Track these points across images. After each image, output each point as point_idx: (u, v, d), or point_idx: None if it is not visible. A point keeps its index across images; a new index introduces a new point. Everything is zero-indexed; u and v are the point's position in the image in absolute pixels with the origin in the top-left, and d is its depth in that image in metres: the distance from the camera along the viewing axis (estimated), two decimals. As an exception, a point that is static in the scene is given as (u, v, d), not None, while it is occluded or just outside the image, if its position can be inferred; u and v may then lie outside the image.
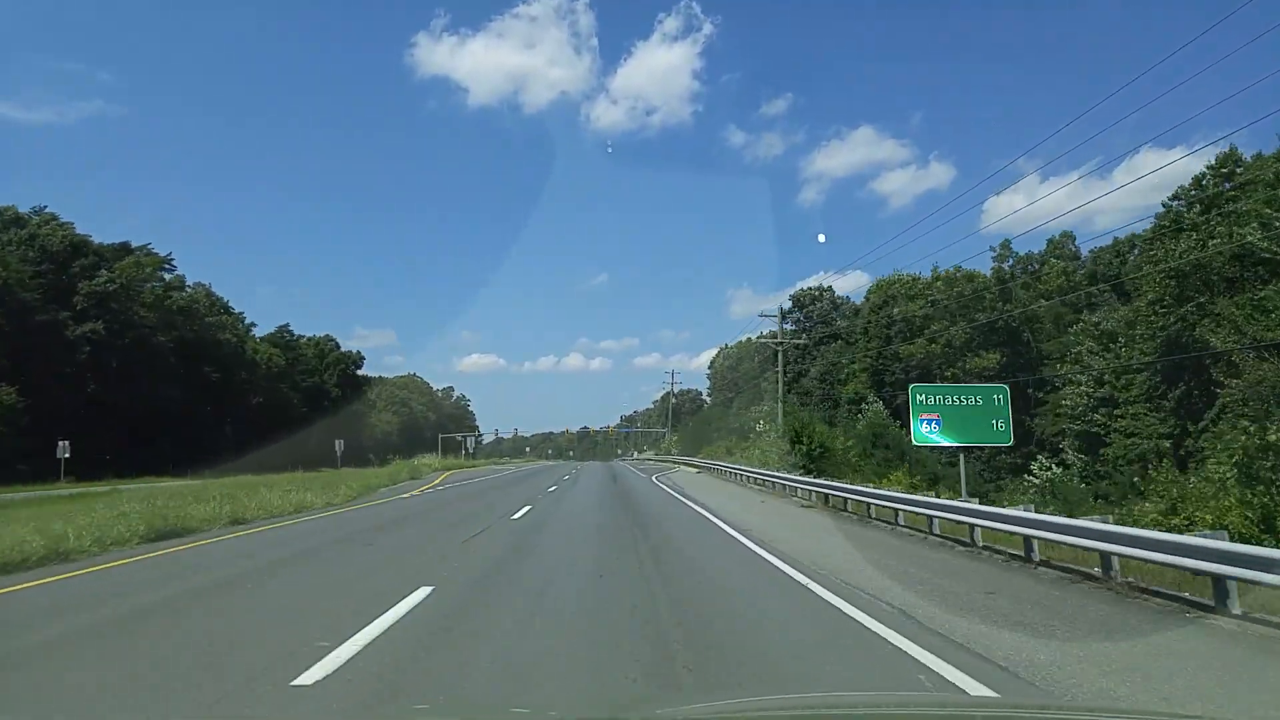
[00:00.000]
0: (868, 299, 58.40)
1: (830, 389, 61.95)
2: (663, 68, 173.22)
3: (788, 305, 72.65)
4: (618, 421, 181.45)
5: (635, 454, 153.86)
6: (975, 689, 4.83)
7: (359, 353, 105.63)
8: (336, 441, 69.53)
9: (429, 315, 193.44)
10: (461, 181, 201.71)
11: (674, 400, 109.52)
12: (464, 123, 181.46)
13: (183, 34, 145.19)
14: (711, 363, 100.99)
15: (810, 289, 70.67)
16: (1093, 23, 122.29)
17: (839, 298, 71.01)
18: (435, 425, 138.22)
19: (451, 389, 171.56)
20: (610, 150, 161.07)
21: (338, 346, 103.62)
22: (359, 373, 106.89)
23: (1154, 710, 4.50)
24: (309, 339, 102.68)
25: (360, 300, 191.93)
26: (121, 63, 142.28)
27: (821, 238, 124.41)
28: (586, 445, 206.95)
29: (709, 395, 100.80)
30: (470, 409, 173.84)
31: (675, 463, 54.25)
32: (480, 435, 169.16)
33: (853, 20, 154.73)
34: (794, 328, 72.95)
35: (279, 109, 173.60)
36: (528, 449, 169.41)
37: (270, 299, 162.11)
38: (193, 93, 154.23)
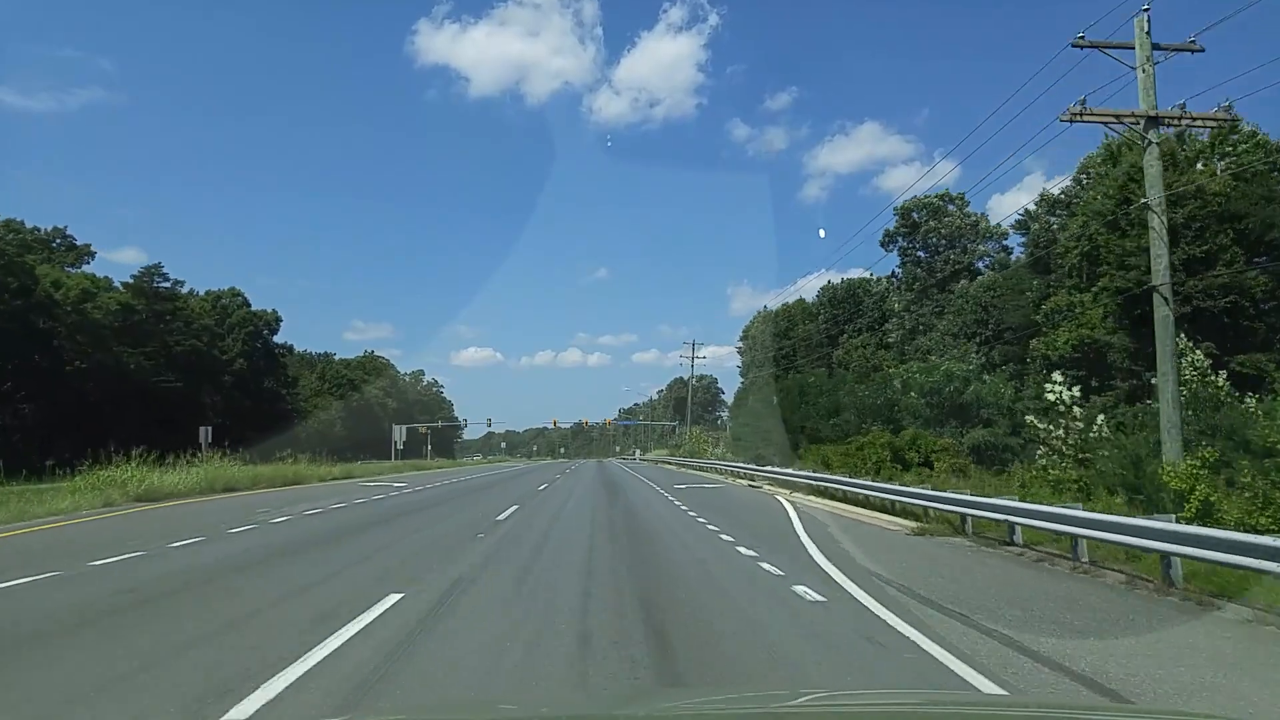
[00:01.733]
0: (1089, 178, 32.49)
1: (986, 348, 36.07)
2: (667, 59, 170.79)
3: (891, 223, 46.92)
4: (616, 415, 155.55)
5: (639, 452, 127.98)
6: None
7: (275, 312, 79.46)
8: (201, 429, 45.68)
9: (427, 309, 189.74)
10: (461, 174, 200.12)
11: (693, 382, 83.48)
12: (465, 113, 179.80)
13: (180, 22, 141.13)
14: (745, 331, 75.22)
15: (930, 199, 44.74)
16: (1098, 17, 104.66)
17: (969, 212, 44.93)
18: (397, 414, 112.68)
19: (421, 372, 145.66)
20: (609, 145, 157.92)
21: (246, 303, 77.63)
22: (277, 340, 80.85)
23: (1158, 708, 4.34)
24: (206, 294, 76.79)
25: (358, 294, 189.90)
26: (120, 51, 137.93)
27: (822, 232, 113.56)
28: (581, 441, 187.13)
29: (740, 370, 75.15)
30: (445, 396, 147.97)
31: (765, 477, 27.28)
32: (462, 428, 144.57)
33: (859, 14, 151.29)
34: (900, 260, 47.27)
35: (276, 98, 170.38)
36: (503, 445, 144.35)
37: (269, 292, 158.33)
38: (189, 82, 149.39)
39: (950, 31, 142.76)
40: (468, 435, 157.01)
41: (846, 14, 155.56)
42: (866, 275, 57.53)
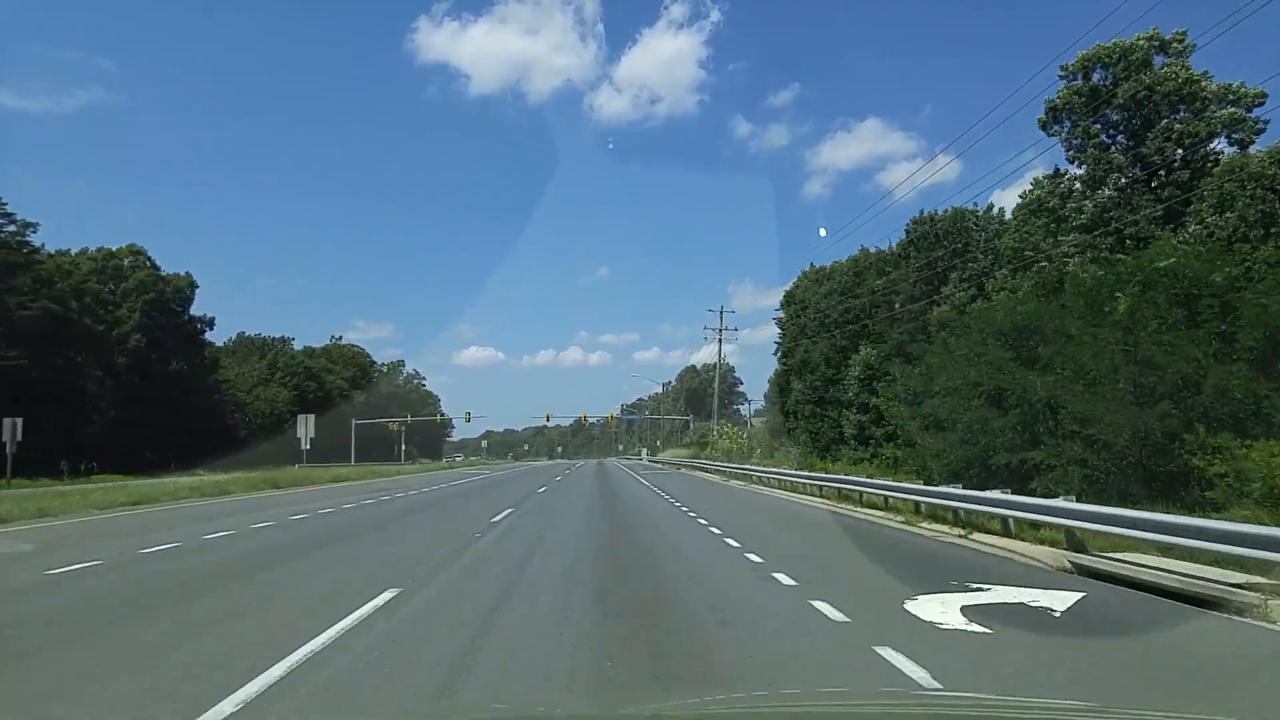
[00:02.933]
0: None
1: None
2: (668, 56, 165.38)
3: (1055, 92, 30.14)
4: (619, 410, 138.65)
5: (645, 452, 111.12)
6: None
7: (189, 276, 62.42)
8: (6, 421, 32.83)
9: (428, 309, 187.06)
10: (461, 173, 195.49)
11: (721, 366, 66.28)
12: (465, 112, 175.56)
13: (180, 22, 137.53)
14: (788, 296, 58.35)
15: (1128, 42, 27.66)
16: (1102, 15, 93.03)
17: (1181, 74, 27.58)
18: (368, 408, 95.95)
19: (401, 363, 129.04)
20: (610, 145, 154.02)
21: (151, 264, 60.67)
22: (194, 312, 63.74)
23: (1154, 709, 3.98)
24: (98, 250, 59.87)
25: (359, 294, 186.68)
26: (120, 51, 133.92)
27: (823, 231, 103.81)
28: (582, 439, 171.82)
29: (778, 346, 58.48)
30: (427, 388, 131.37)
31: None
32: (442, 424, 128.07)
33: (861, 10, 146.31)
34: (1074, 146, 30.15)
35: (276, 98, 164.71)
36: (484, 444, 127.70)
37: (269, 291, 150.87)
38: (189, 82, 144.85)
39: (951, 29, 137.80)
40: (465, 435, 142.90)
41: (848, 11, 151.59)
42: (972, 206, 41.04)
